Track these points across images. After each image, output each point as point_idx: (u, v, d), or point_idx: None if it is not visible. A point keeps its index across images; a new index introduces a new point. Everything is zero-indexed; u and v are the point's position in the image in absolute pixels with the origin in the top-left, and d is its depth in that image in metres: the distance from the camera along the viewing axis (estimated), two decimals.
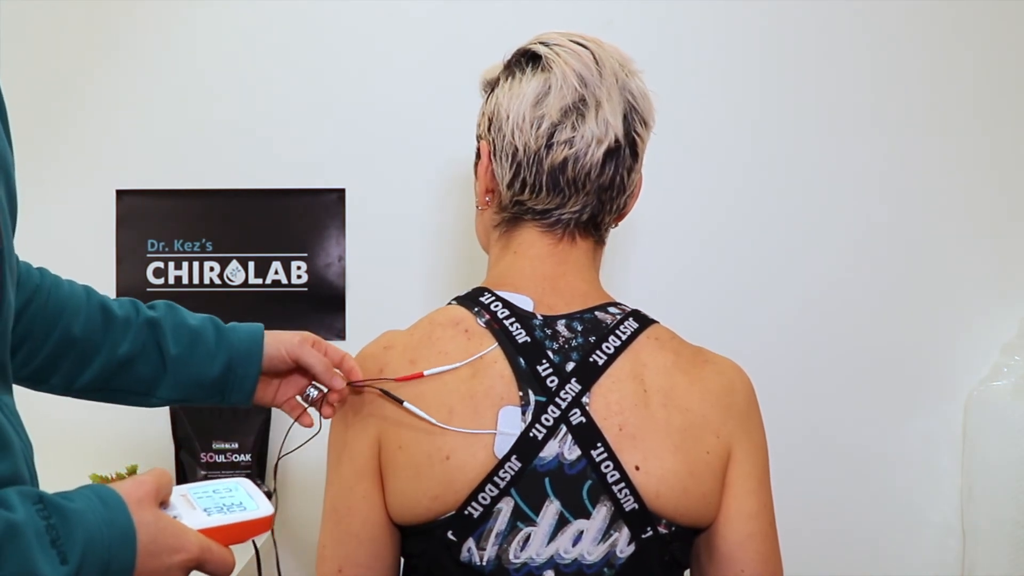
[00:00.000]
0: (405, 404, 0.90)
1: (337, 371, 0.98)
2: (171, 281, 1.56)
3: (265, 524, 0.77)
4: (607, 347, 0.92)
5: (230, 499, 0.77)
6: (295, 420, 1.03)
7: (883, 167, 1.57)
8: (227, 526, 0.74)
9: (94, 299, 0.97)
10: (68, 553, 0.63)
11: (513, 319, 0.92)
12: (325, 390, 0.98)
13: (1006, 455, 1.46)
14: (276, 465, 1.04)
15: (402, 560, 0.95)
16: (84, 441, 1.54)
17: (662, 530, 0.88)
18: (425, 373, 0.91)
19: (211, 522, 0.74)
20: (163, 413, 1.50)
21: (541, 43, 0.97)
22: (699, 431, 0.91)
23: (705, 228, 1.57)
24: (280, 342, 0.99)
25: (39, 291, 0.93)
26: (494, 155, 0.98)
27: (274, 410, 1.50)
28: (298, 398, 1.03)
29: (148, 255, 1.56)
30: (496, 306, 0.94)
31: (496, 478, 0.86)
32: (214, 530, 0.73)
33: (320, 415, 0.99)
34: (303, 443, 1.03)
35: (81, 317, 0.95)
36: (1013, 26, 1.57)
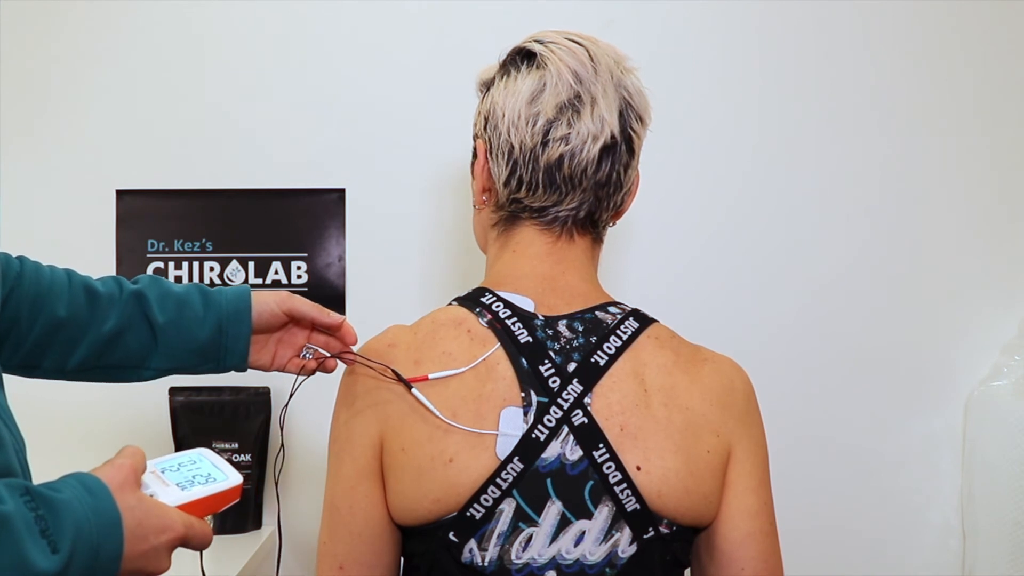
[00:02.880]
0: (413, 391, 0.90)
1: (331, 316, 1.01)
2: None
3: (235, 493, 0.79)
4: (608, 347, 0.92)
5: (197, 471, 0.79)
6: (299, 373, 1.03)
7: (883, 167, 1.57)
8: (202, 499, 0.76)
9: (76, 280, 0.97)
10: (58, 542, 0.64)
11: (515, 319, 0.92)
12: (326, 354, 1.01)
13: (1006, 455, 1.46)
14: (283, 414, 1.05)
15: (402, 559, 0.95)
16: (82, 440, 1.54)
17: (663, 530, 0.88)
18: (430, 377, 0.90)
19: (186, 497, 0.75)
20: (163, 413, 1.50)
21: (536, 41, 0.97)
22: (699, 430, 0.91)
23: (705, 228, 1.57)
24: (269, 296, 1.01)
25: (20, 278, 0.93)
26: (490, 153, 0.97)
27: (274, 410, 1.51)
28: (298, 359, 1.04)
29: (148, 255, 1.56)
30: (497, 306, 0.94)
31: (498, 479, 0.86)
32: (190, 505, 0.75)
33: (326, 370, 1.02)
34: (301, 382, 1.03)
35: (65, 299, 0.95)
36: (1013, 26, 1.57)
